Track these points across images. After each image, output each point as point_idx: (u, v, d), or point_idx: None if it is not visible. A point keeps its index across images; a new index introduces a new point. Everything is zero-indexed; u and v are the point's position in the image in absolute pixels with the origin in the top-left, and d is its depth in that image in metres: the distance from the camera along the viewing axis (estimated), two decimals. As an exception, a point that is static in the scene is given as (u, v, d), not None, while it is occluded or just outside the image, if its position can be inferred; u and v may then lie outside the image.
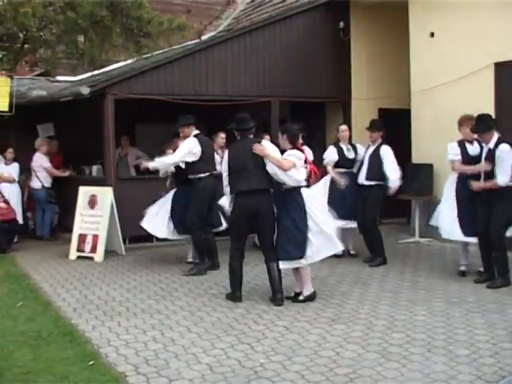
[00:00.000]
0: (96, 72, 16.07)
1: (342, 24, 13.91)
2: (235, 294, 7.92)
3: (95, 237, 11.01)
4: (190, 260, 10.28)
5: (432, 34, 12.22)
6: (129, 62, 15.89)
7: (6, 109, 11.88)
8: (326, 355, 5.87)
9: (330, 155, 10.41)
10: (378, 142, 10.18)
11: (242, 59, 13.00)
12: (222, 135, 11.39)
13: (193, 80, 12.54)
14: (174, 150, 9.85)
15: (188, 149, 9.54)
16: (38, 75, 17.50)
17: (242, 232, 7.94)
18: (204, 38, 17.67)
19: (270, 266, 7.73)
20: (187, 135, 9.71)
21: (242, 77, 13.00)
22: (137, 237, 11.60)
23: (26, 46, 13.04)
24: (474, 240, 8.69)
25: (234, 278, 7.95)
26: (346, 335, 6.45)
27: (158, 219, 10.08)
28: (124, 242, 11.44)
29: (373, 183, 10.05)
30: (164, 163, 9.73)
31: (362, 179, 10.19)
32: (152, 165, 9.79)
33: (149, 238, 11.16)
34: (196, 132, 9.76)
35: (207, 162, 9.71)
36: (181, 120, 9.79)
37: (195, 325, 6.91)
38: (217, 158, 10.19)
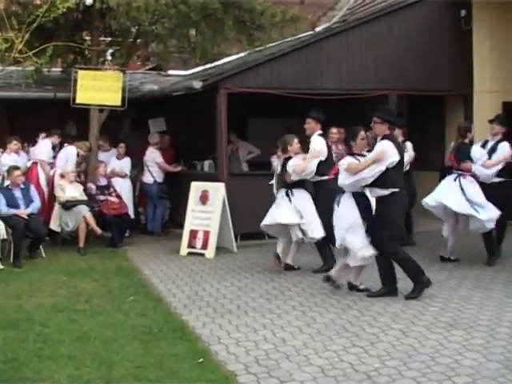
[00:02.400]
0: (208, 66, 16.16)
1: (463, 12, 13.32)
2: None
3: (206, 233, 10.99)
4: (289, 262, 9.61)
5: (560, 22, 11.52)
6: (241, 55, 15.88)
7: (119, 103, 12.02)
8: (443, 362, 5.65)
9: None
10: (499, 137, 9.77)
11: (357, 51, 12.71)
12: (334, 130, 11.16)
13: (306, 73, 12.36)
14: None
15: (320, 149, 9.19)
16: (149, 69, 17.79)
17: None
18: (318, 29, 17.40)
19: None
20: (313, 131, 9.41)
21: (358, 69, 12.69)
22: (249, 234, 11.50)
23: (138, 40, 13.18)
24: None
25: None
26: (465, 342, 6.19)
27: None
28: (235, 238, 11.36)
29: (499, 180, 9.59)
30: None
31: None
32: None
33: (261, 235, 11.02)
34: (320, 132, 9.47)
35: (330, 164, 9.35)
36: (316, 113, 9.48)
37: (307, 325, 6.80)
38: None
